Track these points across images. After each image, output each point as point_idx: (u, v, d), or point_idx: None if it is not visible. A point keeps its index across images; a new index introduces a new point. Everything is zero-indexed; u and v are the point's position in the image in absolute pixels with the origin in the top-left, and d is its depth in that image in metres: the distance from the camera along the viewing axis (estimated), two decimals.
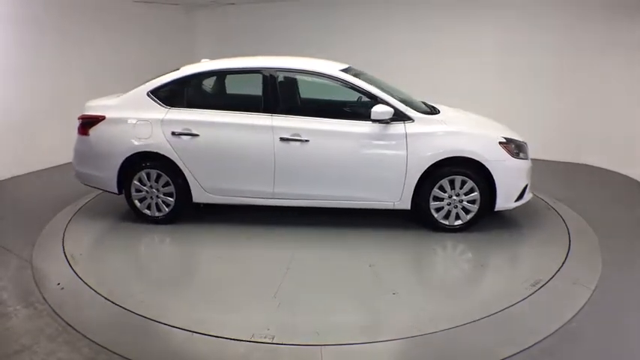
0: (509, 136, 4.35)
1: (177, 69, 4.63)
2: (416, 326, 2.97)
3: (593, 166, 6.65)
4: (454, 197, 4.27)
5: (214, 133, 4.34)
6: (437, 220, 4.35)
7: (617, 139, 6.32)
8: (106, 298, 3.29)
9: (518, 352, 2.70)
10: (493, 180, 4.19)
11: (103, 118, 4.48)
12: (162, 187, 4.48)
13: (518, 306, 3.18)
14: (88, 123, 4.52)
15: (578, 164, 6.75)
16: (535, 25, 6.63)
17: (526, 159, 4.38)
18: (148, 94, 4.47)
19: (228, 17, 8.81)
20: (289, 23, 8.26)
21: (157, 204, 4.54)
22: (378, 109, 4.11)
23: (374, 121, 4.16)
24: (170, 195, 4.50)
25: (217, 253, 4.04)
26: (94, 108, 4.61)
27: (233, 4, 8.55)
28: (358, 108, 4.54)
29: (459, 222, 4.34)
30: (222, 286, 3.54)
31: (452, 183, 4.24)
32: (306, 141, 4.22)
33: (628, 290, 3.47)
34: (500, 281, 3.68)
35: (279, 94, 4.37)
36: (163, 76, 4.54)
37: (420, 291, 3.58)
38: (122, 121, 4.44)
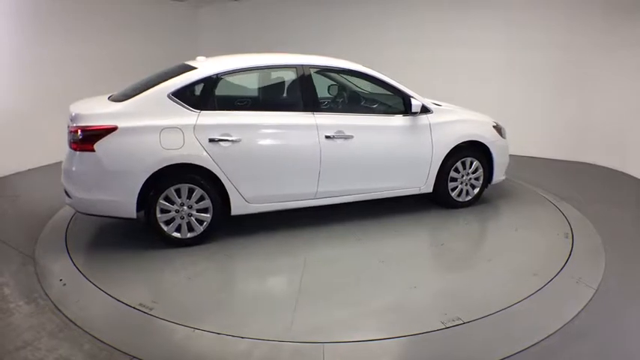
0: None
1: (188, 64, 4.04)
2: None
3: (597, 165, 6.59)
4: (465, 176, 4.90)
5: (258, 137, 3.99)
6: (453, 199, 4.91)
7: (622, 139, 6.26)
8: (110, 295, 3.19)
9: (520, 351, 2.70)
10: (491, 158, 4.96)
11: (114, 128, 3.62)
12: (196, 202, 3.90)
13: (521, 304, 3.17)
14: (91, 136, 3.59)
15: (582, 163, 6.71)
16: (538, 22, 6.64)
17: (505, 138, 5.27)
18: (169, 97, 3.79)
19: (229, 14, 8.81)
20: (289, 20, 8.24)
21: (188, 223, 3.92)
22: (416, 103, 4.43)
23: (411, 114, 4.47)
24: (203, 211, 3.95)
25: (296, 262, 3.73)
26: (92, 117, 3.66)
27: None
28: (378, 102, 4.76)
29: (468, 197, 4.99)
30: (347, 289, 3.38)
31: (462, 164, 4.85)
32: (351, 137, 4.25)
33: (631, 290, 3.46)
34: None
35: (317, 92, 4.27)
36: (183, 76, 3.89)
37: (506, 256, 3.94)
38: (143, 130, 3.67)
